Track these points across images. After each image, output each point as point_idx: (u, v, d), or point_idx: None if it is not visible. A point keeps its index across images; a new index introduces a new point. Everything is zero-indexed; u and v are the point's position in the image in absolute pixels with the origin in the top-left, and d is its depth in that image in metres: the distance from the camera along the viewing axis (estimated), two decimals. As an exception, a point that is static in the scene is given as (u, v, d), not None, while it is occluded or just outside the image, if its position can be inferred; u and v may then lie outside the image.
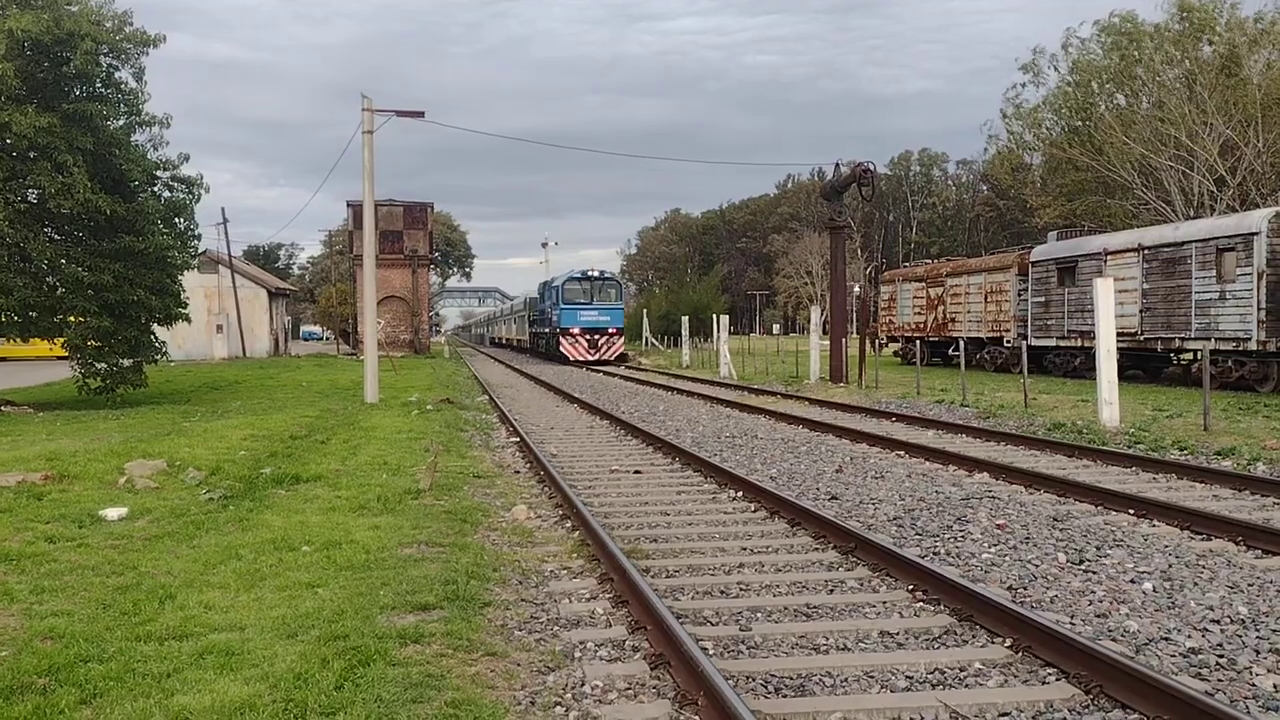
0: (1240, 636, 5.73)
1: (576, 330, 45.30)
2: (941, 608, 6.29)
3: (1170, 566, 7.27)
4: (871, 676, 5.23)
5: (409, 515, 9.08)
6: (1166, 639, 5.69)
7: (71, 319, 23.19)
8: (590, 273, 47.32)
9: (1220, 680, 5.09)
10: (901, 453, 13.50)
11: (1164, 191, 45.73)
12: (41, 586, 6.76)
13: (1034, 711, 4.75)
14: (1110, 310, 16.21)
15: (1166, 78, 46.34)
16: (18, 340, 24.75)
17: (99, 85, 22.70)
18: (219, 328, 55.49)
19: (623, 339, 47.94)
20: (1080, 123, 51.50)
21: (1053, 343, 28.97)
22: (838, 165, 28.94)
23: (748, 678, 5.18)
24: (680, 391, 26.48)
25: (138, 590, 6.60)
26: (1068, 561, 7.47)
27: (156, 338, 25.04)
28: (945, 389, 23.72)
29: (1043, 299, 29.54)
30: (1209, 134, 42.73)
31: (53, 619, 5.98)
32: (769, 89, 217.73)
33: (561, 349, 45.48)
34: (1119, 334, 18.13)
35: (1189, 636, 5.73)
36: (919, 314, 38.04)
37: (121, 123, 23.18)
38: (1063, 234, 31.81)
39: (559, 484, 10.36)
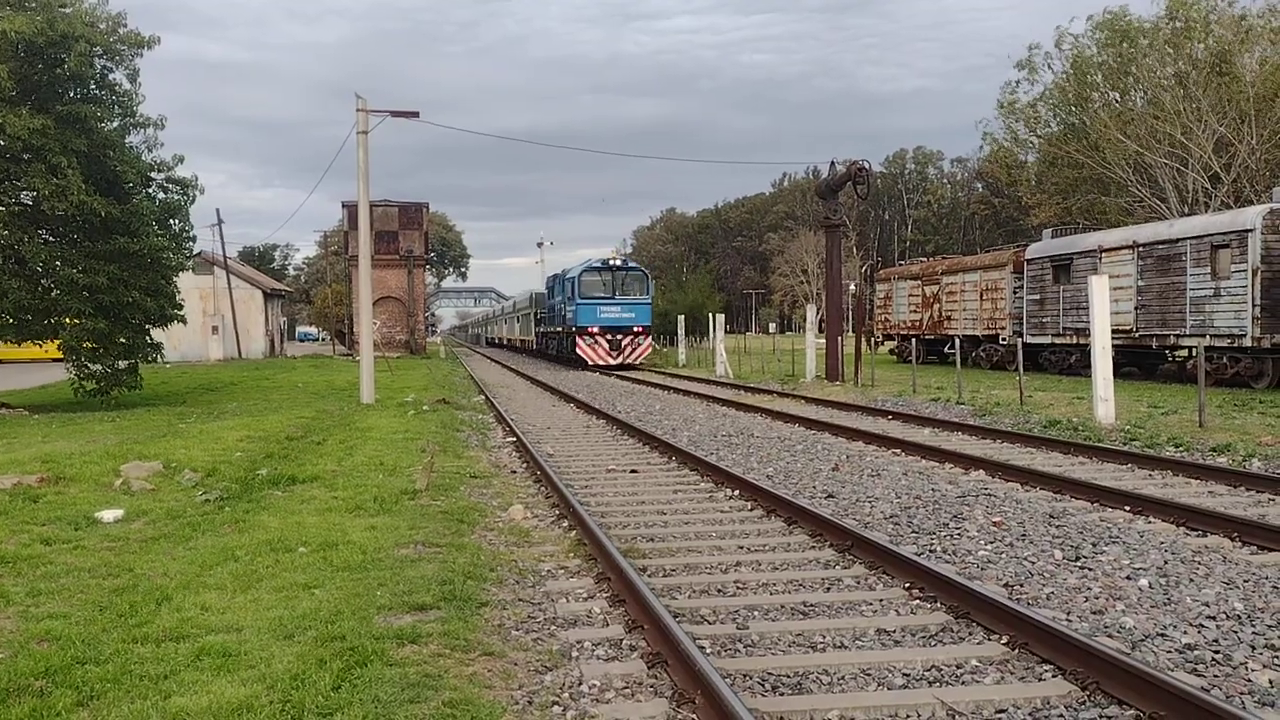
0: (1236, 632, 5.75)
1: (595, 329, 38.58)
2: (938, 605, 6.30)
3: (1166, 563, 7.29)
4: (868, 674, 5.24)
5: (406, 516, 9.07)
6: (1162, 635, 5.71)
7: (66, 321, 23.14)
8: (611, 262, 40.03)
9: (1216, 676, 5.11)
10: (898, 450, 13.51)
11: (1159, 189, 45.76)
12: (38, 589, 6.74)
13: (1031, 708, 4.76)
14: (1105, 307, 16.24)
15: (1160, 75, 46.39)
16: (12, 342, 24.69)
17: (93, 87, 22.67)
18: (214, 329, 55.41)
19: (650, 339, 41.03)
20: (1076, 120, 51.55)
21: (1048, 340, 29.02)
22: (833, 164, 29.03)
23: (745, 676, 5.18)
24: (676, 390, 26.47)
25: (134, 592, 6.59)
26: (1064, 558, 7.48)
27: (152, 339, 25.03)
28: (941, 387, 23.75)
29: (1038, 296, 29.58)
30: (1203, 131, 42.77)
31: (49, 621, 5.97)
32: (764, 88, 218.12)
33: (578, 351, 38.90)
34: (1114, 331, 18.16)
35: (1185, 633, 5.74)
36: (915, 312, 38.08)
37: (116, 124, 23.14)
38: (1058, 231, 31.86)
39: (555, 484, 10.36)
